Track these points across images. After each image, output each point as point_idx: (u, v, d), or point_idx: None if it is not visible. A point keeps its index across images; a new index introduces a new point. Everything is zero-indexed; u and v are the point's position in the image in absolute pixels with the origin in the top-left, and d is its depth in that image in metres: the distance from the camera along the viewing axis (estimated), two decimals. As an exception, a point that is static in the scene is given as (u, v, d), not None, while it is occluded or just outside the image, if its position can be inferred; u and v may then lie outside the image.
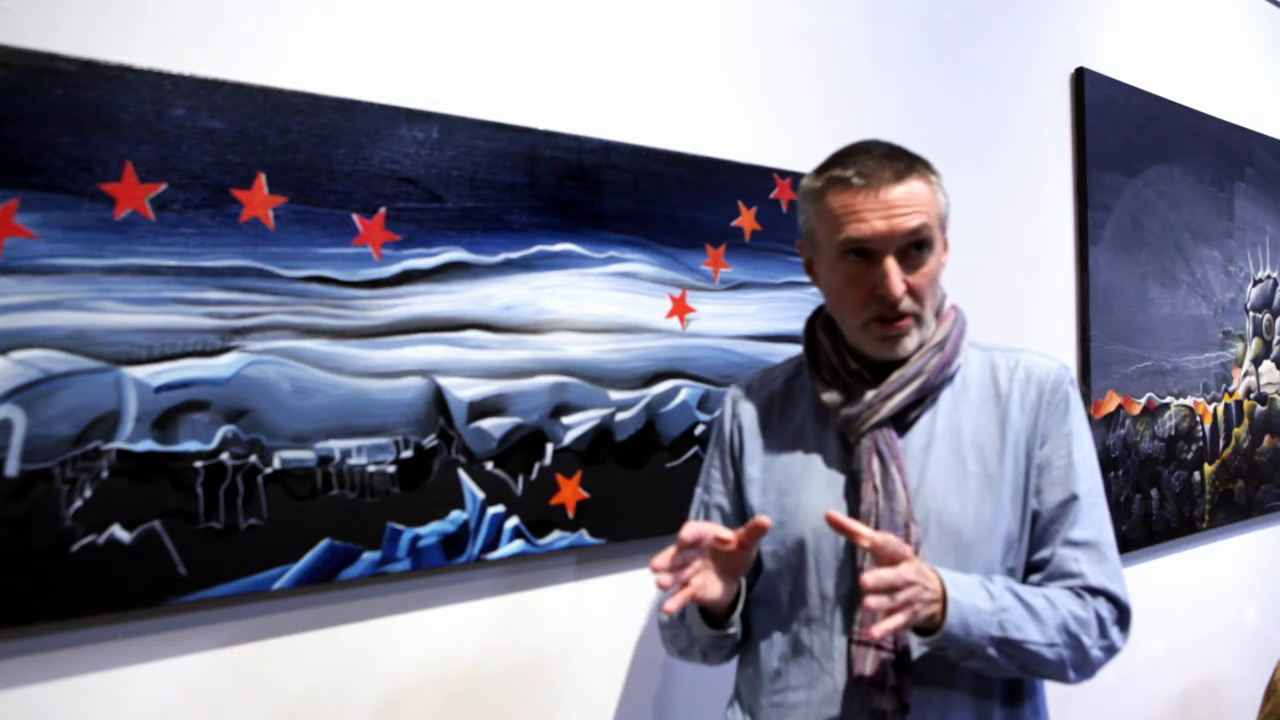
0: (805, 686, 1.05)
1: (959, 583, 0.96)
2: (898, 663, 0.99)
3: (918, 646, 1.01)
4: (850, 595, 1.03)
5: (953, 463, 1.05)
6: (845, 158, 1.03)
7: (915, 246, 1.01)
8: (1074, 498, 1.05)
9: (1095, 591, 1.03)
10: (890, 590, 0.89)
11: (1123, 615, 1.05)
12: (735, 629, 1.11)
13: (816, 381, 1.10)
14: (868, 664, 0.99)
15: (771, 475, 1.12)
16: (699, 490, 1.22)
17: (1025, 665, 0.99)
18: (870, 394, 1.05)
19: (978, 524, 1.03)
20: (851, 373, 1.07)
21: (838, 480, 1.07)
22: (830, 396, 1.08)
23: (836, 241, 1.01)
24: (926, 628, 0.95)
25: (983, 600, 0.96)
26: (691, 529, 0.96)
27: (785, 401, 1.16)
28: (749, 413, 1.17)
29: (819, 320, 1.14)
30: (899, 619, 0.89)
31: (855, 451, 1.05)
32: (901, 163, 1.01)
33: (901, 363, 1.06)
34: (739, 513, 1.15)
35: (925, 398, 1.07)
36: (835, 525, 0.93)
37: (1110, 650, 1.04)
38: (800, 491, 1.09)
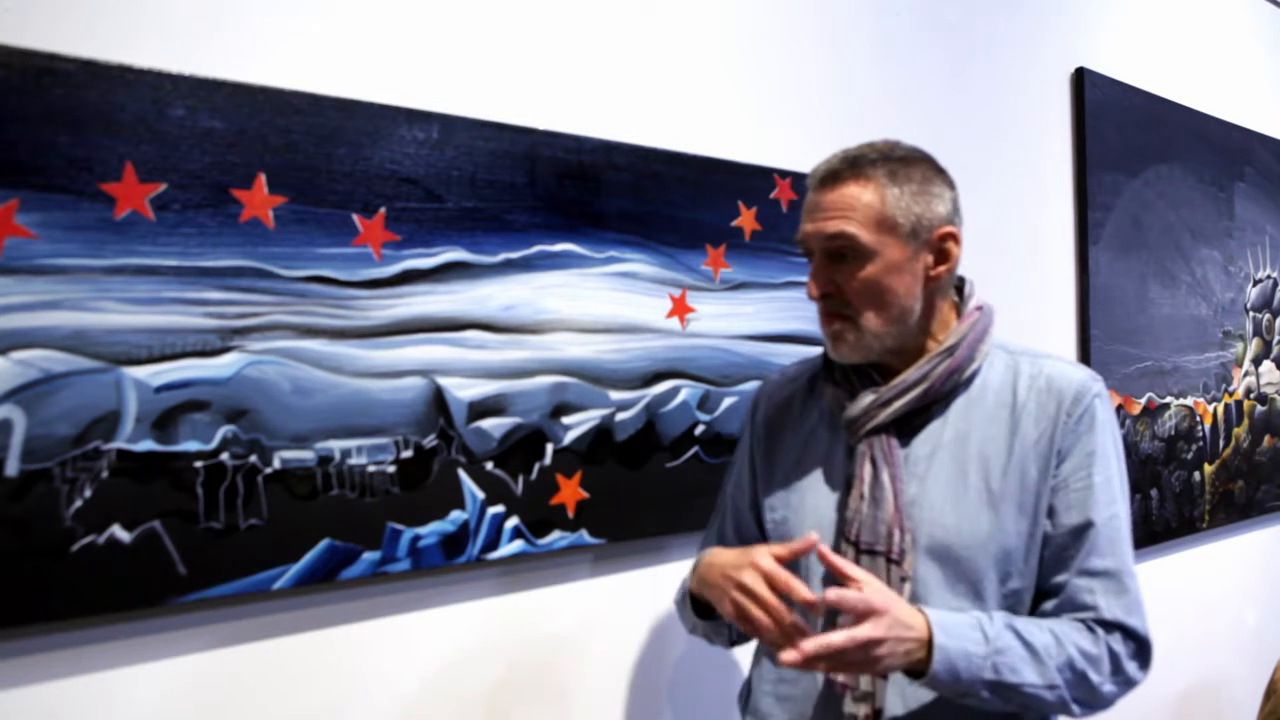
0: (793, 681, 1.07)
1: (948, 626, 0.91)
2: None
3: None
4: None
5: (954, 474, 1.01)
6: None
7: (840, 252, 0.99)
8: (1089, 524, 0.98)
9: (1110, 626, 0.97)
10: (836, 654, 0.87)
11: (1141, 649, 0.99)
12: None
13: (827, 381, 1.09)
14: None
15: (783, 473, 1.12)
16: (726, 482, 1.25)
17: (1024, 705, 0.95)
18: (870, 398, 1.02)
19: (971, 539, 0.99)
20: (859, 374, 1.06)
21: (838, 484, 1.06)
22: (835, 397, 1.07)
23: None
24: (915, 670, 0.91)
25: (974, 644, 0.91)
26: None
27: (806, 399, 1.16)
28: (772, 409, 1.18)
29: None
30: (843, 677, 0.93)
31: (854, 456, 1.04)
32: (848, 165, 0.99)
33: (910, 365, 1.04)
34: (754, 507, 1.17)
35: (933, 404, 1.04)
36: (822, 559, 0.93)
37: (1127, 684, 0.98)
38: (804, 491, 1.09)
